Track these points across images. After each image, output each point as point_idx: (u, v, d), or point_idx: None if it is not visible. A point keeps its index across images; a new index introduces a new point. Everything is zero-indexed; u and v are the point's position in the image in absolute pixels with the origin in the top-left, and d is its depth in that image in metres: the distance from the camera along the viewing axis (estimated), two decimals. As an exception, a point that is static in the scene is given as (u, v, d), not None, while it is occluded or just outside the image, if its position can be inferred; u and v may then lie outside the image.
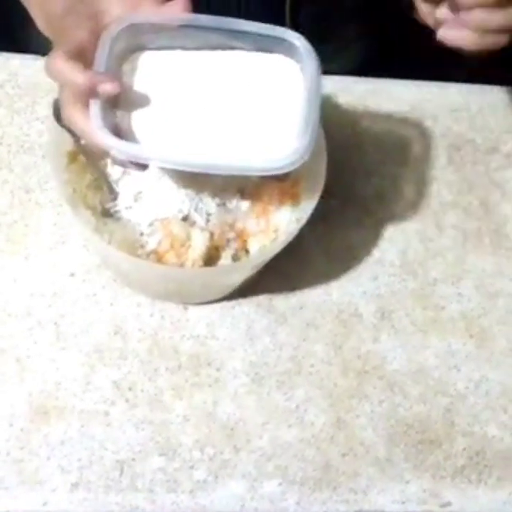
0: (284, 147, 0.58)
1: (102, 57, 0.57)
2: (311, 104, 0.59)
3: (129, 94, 0.60)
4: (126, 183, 0.70)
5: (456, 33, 0.59)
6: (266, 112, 0.61)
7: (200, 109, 0.61)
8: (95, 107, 0.57)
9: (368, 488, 0.70)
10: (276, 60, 0.62)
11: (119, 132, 0.59)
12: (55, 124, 0.66)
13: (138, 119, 0.60)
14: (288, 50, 0.61)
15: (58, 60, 0.56)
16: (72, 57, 0.57)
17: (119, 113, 0.60)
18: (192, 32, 0.60)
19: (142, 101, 0.61)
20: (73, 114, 0.58)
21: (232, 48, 0.62)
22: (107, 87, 0.56)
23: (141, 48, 0.62)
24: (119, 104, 0.60)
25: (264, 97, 0.61)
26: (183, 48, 0.62)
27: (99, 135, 0.56)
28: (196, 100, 0.61)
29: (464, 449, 0.73)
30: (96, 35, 0.58)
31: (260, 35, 0.60)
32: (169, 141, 0.60)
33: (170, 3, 0.59)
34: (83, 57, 0.57)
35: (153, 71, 0.61)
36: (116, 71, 0.60)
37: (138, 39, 0.60)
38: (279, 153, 0.58)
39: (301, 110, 0.59)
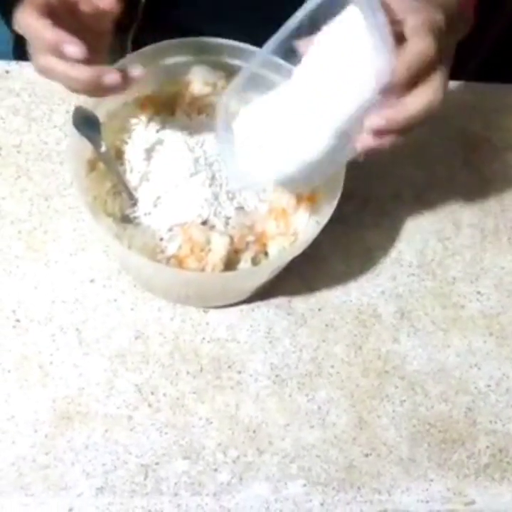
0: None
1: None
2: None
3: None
4: (145, 189, 0.71)
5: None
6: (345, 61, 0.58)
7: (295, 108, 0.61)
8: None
9: (392, 488, 0.70)
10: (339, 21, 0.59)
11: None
12: (74, 133, 0.67)
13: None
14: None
15: (27, 15, 0.58)
16: (43, 13, 0.58)
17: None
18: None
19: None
20: (48, 62, 0.59)
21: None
22: (70, 48, 0.57)
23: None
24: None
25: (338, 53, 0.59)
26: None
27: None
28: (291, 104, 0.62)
29: (487, 447, 0.73)
30: None
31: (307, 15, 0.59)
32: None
33: None
34: (52, 14, 0.59)
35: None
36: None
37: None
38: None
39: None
